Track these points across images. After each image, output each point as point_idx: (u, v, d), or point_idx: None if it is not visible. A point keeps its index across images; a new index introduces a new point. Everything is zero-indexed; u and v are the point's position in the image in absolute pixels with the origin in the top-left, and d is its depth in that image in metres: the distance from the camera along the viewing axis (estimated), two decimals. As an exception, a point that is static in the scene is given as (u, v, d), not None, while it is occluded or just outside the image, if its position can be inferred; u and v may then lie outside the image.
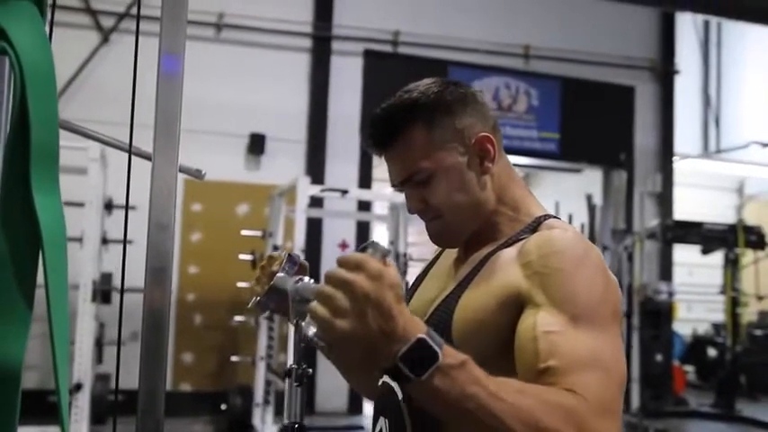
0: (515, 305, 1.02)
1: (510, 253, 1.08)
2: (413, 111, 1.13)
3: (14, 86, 0.71)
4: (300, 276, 1.17)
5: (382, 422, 1.16)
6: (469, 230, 1.17)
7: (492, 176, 1.16)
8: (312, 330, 0.81)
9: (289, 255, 1.20)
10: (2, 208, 0.70)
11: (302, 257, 1.26)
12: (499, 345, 1.02)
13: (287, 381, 1.09)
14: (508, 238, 1.13)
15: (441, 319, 1.09)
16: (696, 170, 11.99)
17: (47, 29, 0.75)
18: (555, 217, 1.16)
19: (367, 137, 1.17)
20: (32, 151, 0.70)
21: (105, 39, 7.51)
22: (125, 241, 0.96)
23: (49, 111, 0.71)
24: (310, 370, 1.10)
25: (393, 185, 1.20)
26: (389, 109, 1.15)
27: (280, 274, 1.18)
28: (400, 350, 0.80)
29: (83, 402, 5.37)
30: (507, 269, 1.06)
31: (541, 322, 0.96)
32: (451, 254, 1.25)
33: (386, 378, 1.16)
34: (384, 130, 1.15)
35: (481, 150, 1.15)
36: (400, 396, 1.11)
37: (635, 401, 7.16)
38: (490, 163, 1.15)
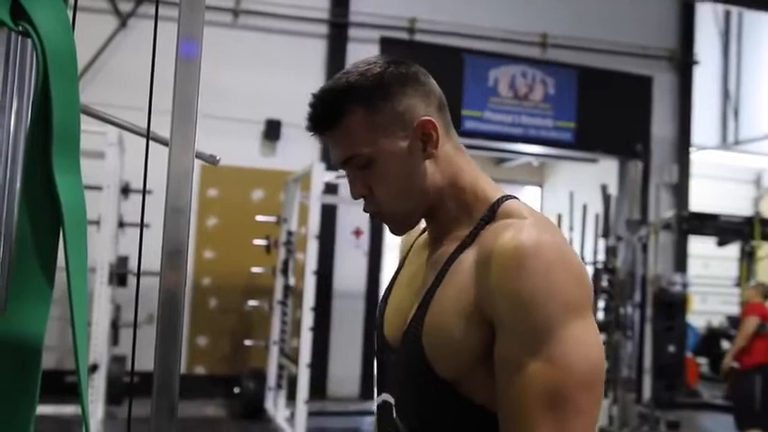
0: (482, 323, 1.00)
1: (470, 257, 1.05)
2: (351, 95, 1.09)
3: (37, 68, 0.72)
4: None
5: None
6: (416, 216, 1.15)
7: (437, 161, 1.11)
8: None
9: None
10: (24, 188, 0.71)
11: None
12: (473, 361, 1.01)
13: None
14: (468, 232, 1.09)
15: (413, 335, 1.08)
16: (713, 162, 11.90)
17: (69, 12, 0.76)
18: (510, 197, 1.12)
19: (307, 118, 1.14)
20: (54, 133, 0.71)
21: (123, 23, 7.55)
22: (142, 225, 0.98)
23: (71, 93, 0.72)
24: None
25: (334, 166, 1.17)
26: (328, 92, 1.11)
27: None
28: None
29: (99, 383, 5.44)
30: (470, 281, 1.03)
31: (504, 360, 0.97)
32: (419, 252, 1.22)
33: (384, 396, 1.18)
34: (322, 115, 1.12)
35: (423, 134, 1.10)
36: (395, 414, 1.12)
37: (647, 392, 7.15)
38: (433, 148, 1.10)
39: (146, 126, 1.05)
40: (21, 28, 0.71)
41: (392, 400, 1.14)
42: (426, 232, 1.23)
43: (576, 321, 0.97)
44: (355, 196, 1.15)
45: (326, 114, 1.11)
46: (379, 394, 1.20)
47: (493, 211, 1.09)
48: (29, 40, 0.74)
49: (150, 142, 1.04)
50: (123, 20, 7.54)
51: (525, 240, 0.98)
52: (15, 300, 0.69)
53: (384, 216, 1.15)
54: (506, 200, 1.11)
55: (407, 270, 1.25)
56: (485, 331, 1.00)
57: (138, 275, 0.99)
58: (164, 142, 0.95)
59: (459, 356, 1.01)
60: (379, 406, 1.20)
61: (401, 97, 1.10)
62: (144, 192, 1.00)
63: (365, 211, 1.16)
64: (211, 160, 1.27)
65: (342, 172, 1.20)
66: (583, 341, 0.96)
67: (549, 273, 0.96)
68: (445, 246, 1.12)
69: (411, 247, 1.29)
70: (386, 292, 1.28)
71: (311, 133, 1.15)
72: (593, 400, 0.96)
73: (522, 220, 1.04)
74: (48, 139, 0.71)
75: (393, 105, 1.09)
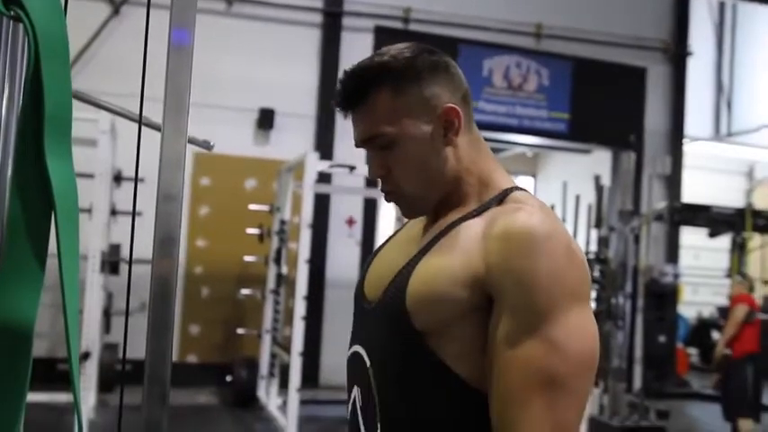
0: (477, 287, 1.03)
1: (476, 225, 1.08)
2: (381, 74, 1.12)
3: (29, 54, 0.72)
4: None
5: (356, 391, 1.18)
6: (431, 201, 1.17)
7: (456, 148, 1.14)
8: None
9: None
10: (16, 172, 0.71)
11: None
12: (455, 317, 1.04)
13: None
14: (476, 207, 1.13)
15: (396, 287, 1.10)
16: (706, 153, 11.93)
17: (61, -1, 0.76)
18: (522, 189, 1.16)
19: (336, 96, 1.16)
20: (46, 117, 0.71)
21: (116, 11, 7.50)
22: (134, 212, 0.98)
23: (63, 78, 0.72)
24: None
25: (356, 145, 1.19)
26: (359, 70, 1.14)
27: None
28: None
29: (91, 371, 5.44)
30: (472, 245, 1.05)
31: (502, 334, 1.00)
32: (418, 224, 1.25)
33: (356, 347, 1.19)
34: (351, 91, 1.14)
35: (446, 121, 1.13)
36: (368, 364, 1.14)
37: (637, 382, 7.20)
38: (454, 135, 1.14)
39: (137, 113, 1.05)
40: (12, 13, 0.71)
41: (363, 351, 1.16)
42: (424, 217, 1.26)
43: (577, 308, 1.00)
44: (373, 176, 1.17)
45: (355, 91, 1.14)
46: (350, 347, 1.22)
47: (503, 197, 1.13)
48: (20, 26, 0.74)
49: (143, 130, 1.04)
50: (116, 7, 7.49)
51: (538, 225, 1.03)
52: (6, 284, 0.69)
53: (399, 197, 1.17)
54: (517, 190, 1.14)
55: (401, 237, 1.28)
56: (474, 294, 1.03)
57: (130, 263, 0.99)
58: (156, 127, 0.95)
59: (440, 309, 1.04)
60: (349, 359, 1.22)
61: (429, 83, 1.13)
62: (136, 179, 1.00)
63: (381, 190, 1.18)
64: (205, 146, 1.28)
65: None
66: (581, 328, 1.00)
67: (557, 259, 1.00)
68: (447, 217, 1.15)
69: (407, 222, 1.32)
70: (374, 252, 1.31)
71: (338, 109, 1.17)
72: (585, 386, 1.00)
73: (532, 207, 1.08)
74: (39, 123, 0.71)
75: (421, 90, 1.12)
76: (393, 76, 1.12)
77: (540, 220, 1.04)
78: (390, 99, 1.12)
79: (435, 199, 1.16)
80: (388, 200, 1.19)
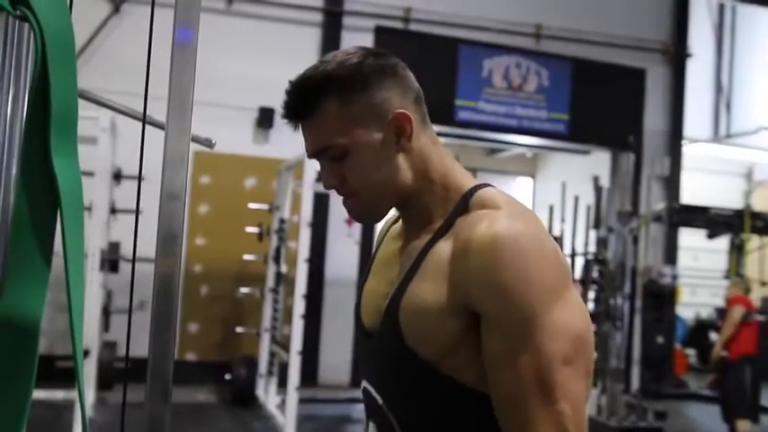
0: (462, 311, 1.02)
1: (446, 247, 1.06)
2: (327, 85, 1.09)
3: (35, 52, 0.73)
4: None
5: (371, 427, 1.18)
6: (387, 207, 1.16)
7: (410, 153, 1.12)
8: None
9: None
10: (22, 170, 0.72)
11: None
12: (459, 341, 1.03)
13: None
14: (442, 222, 1.11)
15: (391, 323, 1.09)
16: (705, 155, 11.94)
17: (67, -3, 0.77)
18: (483, 185, 1.13)
19: (282, 107, 1.13)
20: (53, 116, 0.71)
21: (116, 9, 7.50)
22: (137, 209, 0.98)
23: (69, 76, 0.73)
24: None
25: (308, 156, 1.16)
26: (304, 81, 1.11)
27: None
28: None
29: (90, 369, 5.45)
30: (446, 271, 1.04)
31: (491, 351, 1.00)
32: (393, 241, 1.24)
33: (365, 384, 1.19)
34: (297, 104, 1.11)
35: (397, 127, 1.10)
36: (380, 401, 1.14)
37: (635, 382, 7.21)
38: (407, 141, 1.11)
39: (139, 111, 1.06)
40: (19, 12, 0.72)
41: (371, 387, 1.16)
42: (399, 222, 1.24)
43: (556, 304, 0.99)
44: (327, 186, 1.15)
45: (302, 103, 1.11)
46: (362, 380, 1.22)
47: (465, 201, 1.10)
48: (26, 25, 0.75)
49: (144, 128, 1.04)
50: (116, 5, 7.50)
51: (499, 232, 1.00)
52: (12, 281, 0.70)
53: (354, 204, 1.16)
54: (479, 189, 1.11)
55: (381, 259, 1.26)
56: (464, 316, 1.02)
57: (134, 261, 1.00)
58: (160, 126, 0.96)
59: (440, 339, 1.04)
60: (363, 392, 1.22)
61: (378, 89, 1.10)
62: (140, 176, 1.01)
63: (339, 194, 1.16)
64: (207, 144, 1.28)
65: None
66: (564, 320, 0.99)
67: (524, 262, 0.99)
68: (419, 237, 1.13)
69: (384, 236, 1.31)
70: (362, 280, 1.30)
71: (285, 121, 1.14)
72: (584, 368, 1.00)
73: (495, 211, 1.05)
74: (46, 121, 0.72)
75: (369, 97, 1.09)
76: (339, 85, 1.08)
77: (502, 224, 1.01)
78: (338, 109, 1.08)
79: (390, 205, 1.15)
80: (345, 204, 1.17)
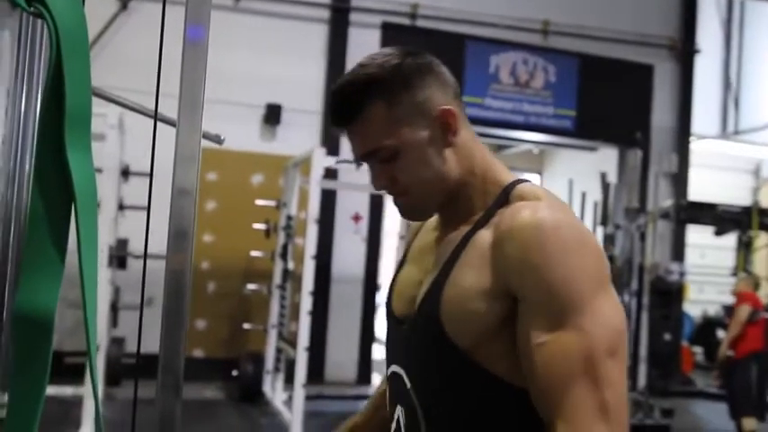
0: (504, 296, 1.04)
1: (486, 237, 1.08)
2: (371, 87, 1.11)
3: (50, 48, 0.73)
4: None
5: (399, 411, 1.19)
6: (437, 203, 1.17)
7: (455, 148, 1.14)
8: None
9: None
10: (37, 165, 0.73)
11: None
12: (493, 331, 1.05)
13: None
14: (482, 214, 1.13)
15: (430, 310, 1.11)
16: (713, 151, 11.90)
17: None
18: (523, 180, 1.15)
19: (330, 112, 1.16)
20: (67, 111, 0.72)
21: (124, 6, 7.52)
22: (149, 206, 0.99)
23: (83, 72, 0.74)
24: None
25: (355, 159, 1.19)
26: (348, 86, 1.13)
27: None
28: None
29: (98, 365, 5.46)
30: (488, 258, 1.06)
31: (534, 333, 1.01)
32: (429, 233, 1.26)
33: (394, 367, 1.20)
34: (344, 108, 1.13)
35: (443, 124, 1.13)
36: (408, 385, 1.15)
37: (642, 380, 7.20)
38: (453, 136, 1.13)
39: (147, 108, 1.07)
40: (33, 9, 0.72)
41: (402, 372, 1.17)
42: (435, 215, 1.26)
43: (599, 294, 1.02)
44: (378, 188, 1.17)
45: (347, 108, 1.13)
46: (388, 366, 1.23)
47: (506, 194, 1.12)
48: (39, 23, 0.76)
49: (151, 126, 1.05)
50: (124, 2, 7.51)
51: (544, 219, 1.03)
52: (27, 275, 0.70)
53: (405, 203, 1.17)
54: (519, 183, 1.14)
55: (416, 250, 1.28)
56: (504, 303, 1.04)
57: (145, 256, 1.01)
58: (171, 123, 0.97)
59: (479, 326, 1.05)
60: (389, 378, 1.23)
61: (420, 88, 1.12)
62: (152, 173, 1.01)
63: (390, 194, 1.18)
64: (216, 140, 1.29)
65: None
66: (607, 312, 1.01)
67: (569, 248, 1.01)
68: (458, 228, 1.15)
69: (419, 228, 1.33)
70: (396, 270, 1.32)
71: (335, 126, 1.17)
72: (620, 365, 1.01)
73: (536, 201, 1.08)
74: (60, 117, 0.72)
75: (413, 96, 1.12)
76: (383, 87, 1.10)
77: (545, 212, 1.04)
78: (384, 111, 1.10)
79: (440, 202, 1.17)
80: (396, 203, 1.19)
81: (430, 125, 1.12)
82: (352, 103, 1.12)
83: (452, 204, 1.17)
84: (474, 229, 1.11)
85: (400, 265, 1.31)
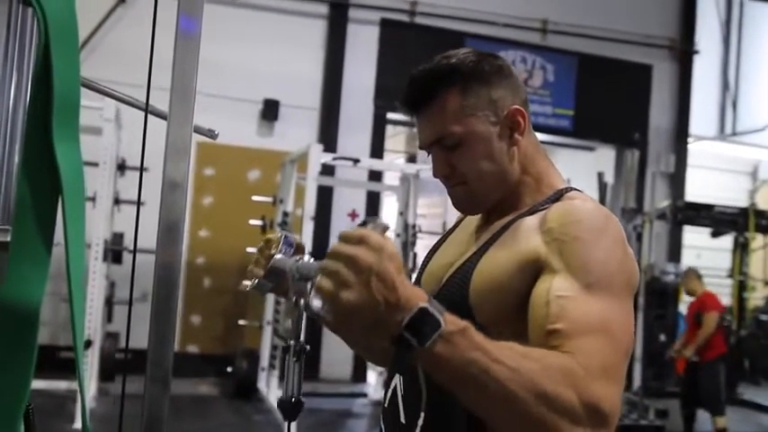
0: (533, 270, 1.05)
1: (531, 221, 1.11)
2: (451, 76, 1.15)
3: (39, 38, 0.73)
4: (299, 256, 1.18)
5: (397, 379, 1.20)
6: (493, 199, 1.20)
7: (519, 148, 1.18)
8: (318, 304, 0.82)
9: (285, 236, 1.22)
10: (24, 155, 0.72)
11: (302, 236, 1.28)
12: (515, 309, 1.05)
13: (286, 356, 1.13)
14: (530, 207, 1.16)
15: (458, 282, 1.13)
16: (710, 152, 11.90)
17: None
18: (576, 189, 1.19)
19: (402, 97, 1.19)
20: (54, 101, 0.72)
21: (122, -1, 7.50)
22: (139, 200, 0.99)
23: (72, 62, 0.73)
24: (308, 346, 1.13)
25: (421, 147, 1.22)
26: (427, 71, 1.17)
27: (278, 256, 1.20)
28: (404, 319, 0.81)
29: (92, 359, 5.46)
30: (528, 236, 1.09)
31: (556, 287, 1.00)
32: (472, 222, 1.28)
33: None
34: (420, 92, 1.17)
35: (512, 122, 1.17)
36: None
37: (636, 380, 7.20)
38: (520, 135, 1.18)
39: (143, 101, 1.06)
40: (23, -2, 0.72)
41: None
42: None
43: (625, 296, 1.03)
44: (437, 175, 1.20)
45: (424, 91, 1.17)
46: None
47: (559, 195, 1.17)
48: (29, 12, 0.75)
49: (148, 120, 1.04)
50: (122, -4, 7.49)
51: (598, 207, 1.09)
52: (14, 265, 0.70)
53: (461, 193, 1.20)
54: (572, 190, 1.18)
55: (454, 238, 1.31)
56: (531, 278, 1.05)
57: (135, 251, 1.00)
58: (162, 116, 0.96)
59: (502, 300, 1.07)
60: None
61: (497, 86, 1.17)
62: (141, 166, 1.01)
63: (446, 184, 1.21)
64: (210, 134, 1.28)
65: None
66: (626, 314, 1.02)
67: (615, 242, 1.06)
68: (505, 218, 1.19)
69: (461, 220, 1.36)
70: (430, 251, 1.34)
71: (406, 112, 1.20)
72: (625, 365, 1.01)
73: (591, 201, 1.14)
74: (48, 107, 0.72)
75: (488, 92, 1.16)
76: (462, 77, 1.15)
77: (597, 208, 1.09)
78: (459, 99, 1.15)
79: (496, 197, 1.20)
80: (451, 193, 1.22)
81: (499, 122, 1.17)
82: (428, 89, 1.16)
83: (504, 200, 1.20)
84: (518, 217, 1.15)
85: (434, 250, 1.33)
